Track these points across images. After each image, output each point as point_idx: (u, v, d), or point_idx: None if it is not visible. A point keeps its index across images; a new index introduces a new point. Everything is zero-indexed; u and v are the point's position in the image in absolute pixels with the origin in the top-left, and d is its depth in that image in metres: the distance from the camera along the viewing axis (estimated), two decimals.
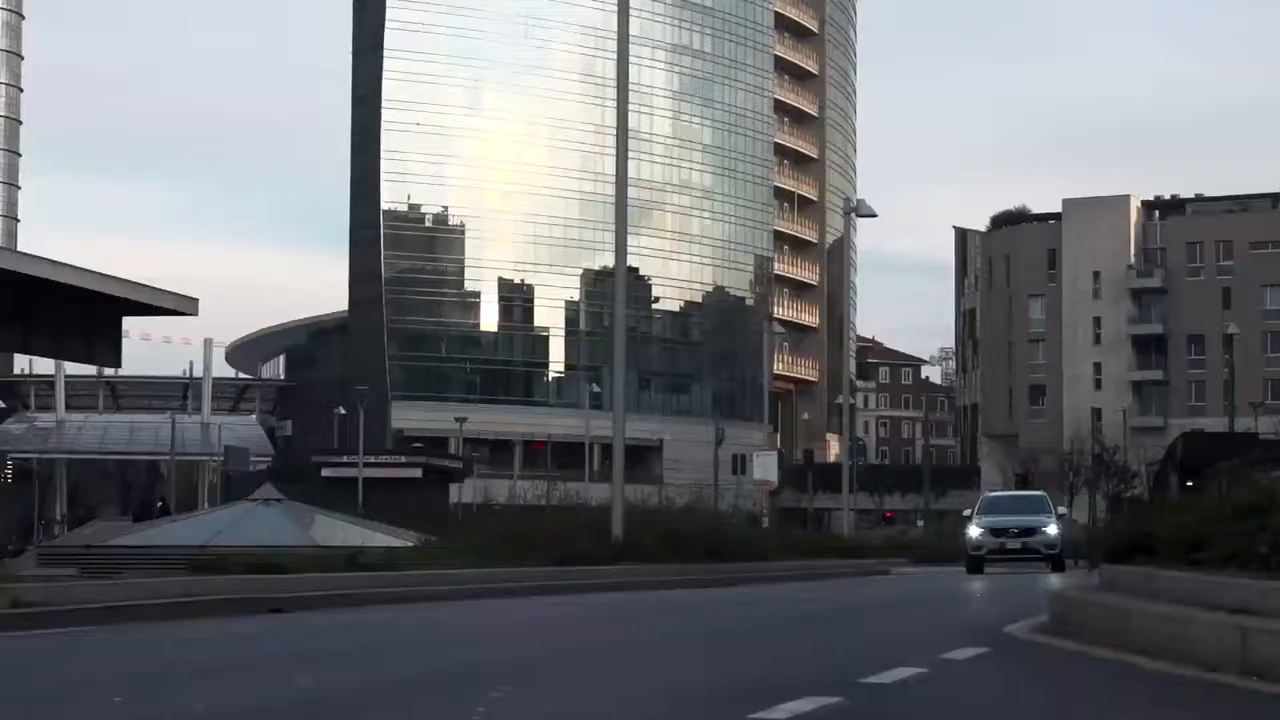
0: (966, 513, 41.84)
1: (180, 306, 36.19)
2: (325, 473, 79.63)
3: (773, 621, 16.15)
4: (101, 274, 34.12)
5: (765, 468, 60.95)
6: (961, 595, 23.91)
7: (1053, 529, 39.52)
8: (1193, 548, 12.31)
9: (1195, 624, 10.10)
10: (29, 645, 13.61)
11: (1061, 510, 41.26)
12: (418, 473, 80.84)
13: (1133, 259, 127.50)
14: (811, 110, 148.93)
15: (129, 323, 37.19)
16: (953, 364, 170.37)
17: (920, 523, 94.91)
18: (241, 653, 12.75)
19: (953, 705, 8.96)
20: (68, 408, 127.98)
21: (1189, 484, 42.96)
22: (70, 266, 33.27)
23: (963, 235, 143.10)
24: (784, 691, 8.70)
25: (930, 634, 13.98)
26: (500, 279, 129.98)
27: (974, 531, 39.56)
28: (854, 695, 8.78)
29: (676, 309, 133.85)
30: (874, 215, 51.40)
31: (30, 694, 9.71)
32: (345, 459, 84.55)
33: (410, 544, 33.14)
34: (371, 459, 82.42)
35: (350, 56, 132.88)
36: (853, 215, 54.91)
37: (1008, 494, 52.52)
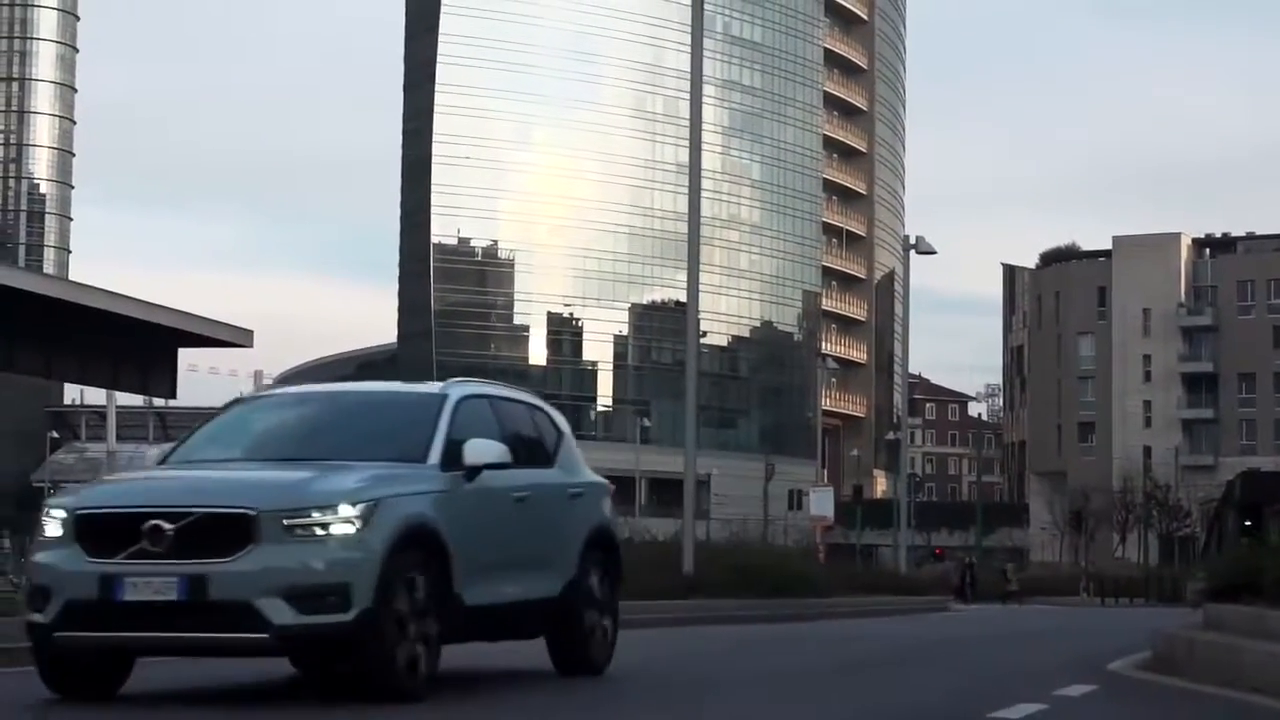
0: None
1: (236, 339, 36.47)
2: None
3: (874, 656, 16.26)
4: (159, 306, 34.41)
5: (821, 503, 60.96)
6: (1032, 631, 23.92)
7: (346, 527, 9.86)
8: None
9: None
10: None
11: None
12: None
13: (1183, 297, 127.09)
14: (860, 146, 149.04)
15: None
16: (999, 401, 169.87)
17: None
18: None
19: None
20: (118, 438, 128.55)
21: (1248, 523, 42.76)
22: (128, 298, 33.53)
23: (1011, 272, 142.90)
24: None
25: (1034, 670, 14.12)
26: (549, 313, 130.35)
27: (52, 531, 10.01)
28: None
29: (725, 344, 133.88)
30: (933, 252, 51.59)
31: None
32: None
33: None
34: None
35: (402, 90, 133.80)
36: (910, 252, 54.90)
37: (300, 391, 13.24)
